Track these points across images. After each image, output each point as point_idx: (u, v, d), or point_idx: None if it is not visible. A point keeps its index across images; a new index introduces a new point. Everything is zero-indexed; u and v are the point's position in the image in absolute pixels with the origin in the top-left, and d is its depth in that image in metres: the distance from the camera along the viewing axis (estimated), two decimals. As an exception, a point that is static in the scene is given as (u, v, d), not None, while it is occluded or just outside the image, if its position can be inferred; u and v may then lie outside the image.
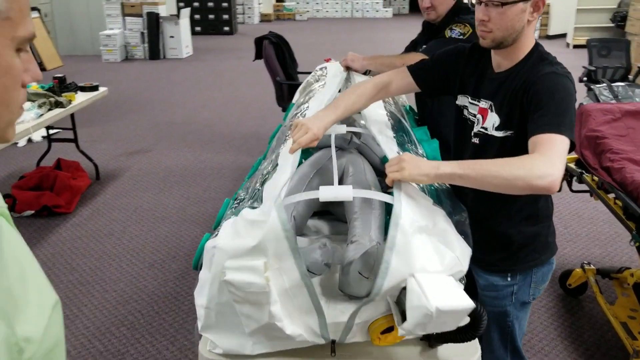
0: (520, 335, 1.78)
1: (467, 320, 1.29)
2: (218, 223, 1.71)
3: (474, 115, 1.62)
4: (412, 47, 2.73)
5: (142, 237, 3.66)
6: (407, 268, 1.27)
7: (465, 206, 1.63)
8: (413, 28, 14.61)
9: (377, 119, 1.95)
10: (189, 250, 3.47)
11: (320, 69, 2.93)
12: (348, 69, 2.43)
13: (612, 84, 3.07)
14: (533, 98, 1.42)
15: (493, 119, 1.55)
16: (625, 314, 2.52)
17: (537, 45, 1.53)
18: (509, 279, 1.65)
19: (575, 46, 10.25)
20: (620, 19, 9.73)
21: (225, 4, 12.96)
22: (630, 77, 5.56)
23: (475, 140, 1.61)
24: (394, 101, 2.60)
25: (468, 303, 1.21)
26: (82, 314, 2.86)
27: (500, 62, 1.56)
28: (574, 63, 8.78)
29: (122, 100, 7.02)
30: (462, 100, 1.68)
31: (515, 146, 1.49)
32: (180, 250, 3.48)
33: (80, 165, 4.53)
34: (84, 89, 4.33)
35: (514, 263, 1.65)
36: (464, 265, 1.32)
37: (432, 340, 1.37)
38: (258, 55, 5.08)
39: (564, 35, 10.90)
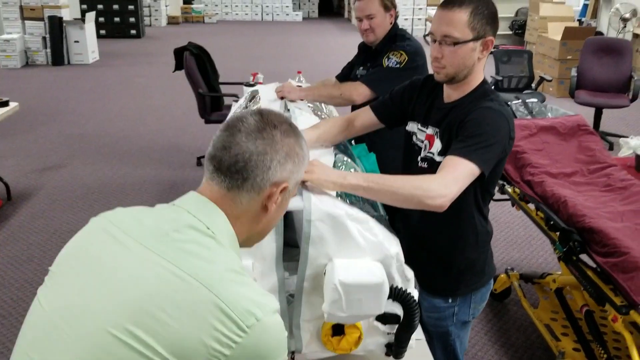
0: (462, 351, 1.89)
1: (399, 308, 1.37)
2: None
3: (422, 141, 1.72)
4: (348, 68, 2.80)
5: (65, 261, 3.49)
6: (324, 255, 1.35)
7: (410, 227, 1.72)
8: (324, 32, 14.91)
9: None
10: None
11: (252, 96, 2.90)
12: (282, 98, 2.45)
13: (527, 101, 3.29)
14: (463, 126, 1.55)
15: (437, 146, 1.66)
16: (548, 317, 2.72)
17: (484, 82, 1.64)
18: (450, 300, 1.75)
19: (478, 52, 10.82)
20: (517, 27, 10.38)
21: (131, 7, 12.55)
22: (533, 85, 5.96)
23: (423, 164, 1.71)
24: (327, 116, 2.66)
25: (376, 279, 1.28)
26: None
27: (451, 93, 1.67)
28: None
29: (27, 110, 6.63)
30: (411, 126, 1.78)
31: None
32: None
33: (-12, 185, 4.25)
34: (-8, 104, 4.07)
35: (456, 287, 1.75)
36: (390, 250, 1.37)
37: (394, 349, 1.43)
38: (178, 67, 4.99)
39: (467, 42, 11.46)
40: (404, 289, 1.35)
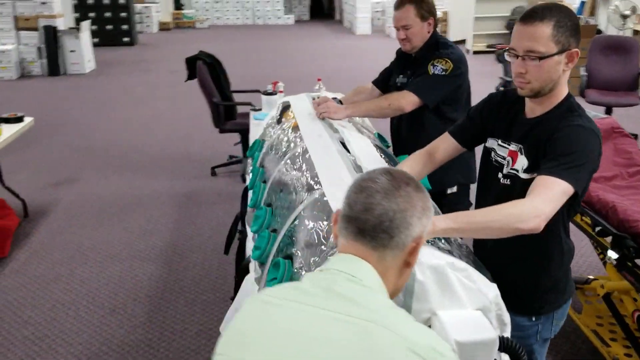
0: None
1: (505, 357, 1.34)
2: (259, 257, 1.77)
3: (503, 158, 1.70)
4: (386, 74, 2.79)
5: (93, 279, 3.45)
6: (428, 310, 1.32)
7: (494, 249, 1.70)
8: (318, 36, 14.91)
9: (369, 157, 1.99)
10: (149, 291, 3.32)
11: (284, 107, 2.87)
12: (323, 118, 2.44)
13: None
14: (553, 144, 1.53)
15: (522, 162, 1.64)
16: (594, 322, 2.73)
17: (569, 95, 1.62)
18: (534, 319, 1.74)
19: (475, 52, 10.87)
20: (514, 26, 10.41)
21: (123, 14, 12.47)
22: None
23: (506, 181, 1.69)
24: (367, 129, 2.65)
25: (490, 334, 1.26)
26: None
27: (534, 108, 1.64)
28: (476, 69, 9.30)
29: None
30: (490, 143, 1.77)
31: None
32: (140, 291, 3.32)
33: (5, 202, 4.18)
34: (8, 120, 4.01)
35: (541, 306, 1.74)
36: (489, 296, 1.35)
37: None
38: (191, 76, 4.95)
39: (462, 42, 11.50)
40: (513, 342, 1.33)
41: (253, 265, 2.01)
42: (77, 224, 4.17)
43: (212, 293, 3.29)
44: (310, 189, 1.84)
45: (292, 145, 2.37)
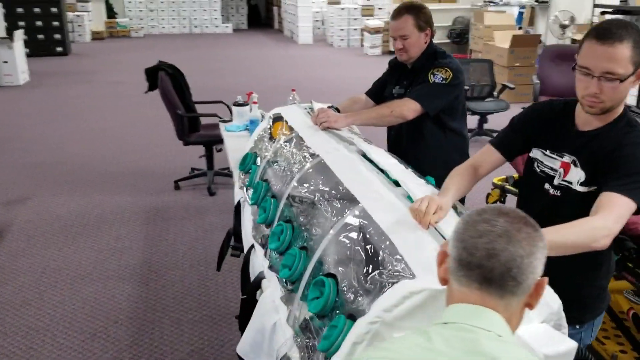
0: None
1: None
2: (290, 275, 1.74)
3: (551, 169, 1.72)
4: (380, 86, 2.79)
5: (66, 302, 3.26)
6: None
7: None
8: (259, 44, 14.88)
9: (397, 169, 1.98)
10: (130, 312, 3.17)
11: (275, 119, 2.82)
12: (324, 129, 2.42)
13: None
14: (619, 161, 1.55)
15: (578, 175, 1.65)
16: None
17: (626, 109, 1.65)
18: (577, 327, 1.77)
19: (419, 61, 11.13)
20: (455, 35, 10.77)
21: (56, 23, 12.00)
22: (495, 93, 6.19)
23: (556, 192, 1.71)
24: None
25: (571, 344, 1.29)
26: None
27: (590, 121, 1.64)
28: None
29: (-32, 139, 6.18)
30: (535, 153, 1.78)
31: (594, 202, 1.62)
32: (120, 313, 3.16)
33: (-44, 224, 3.91)
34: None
35: (584, 314, 1.78)
36: (554, 307, 1.38)
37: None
38: (152, 87, 4.80)
39: (406, 51, 11.75)
40: (586, 353, 1.35)
41: (272, 283, 1.96)
42: (39, 245, 3.94)
43: (198, 311, 3.19)
44: (343, 206, 1.80)
45: (300, 157, 2.33)
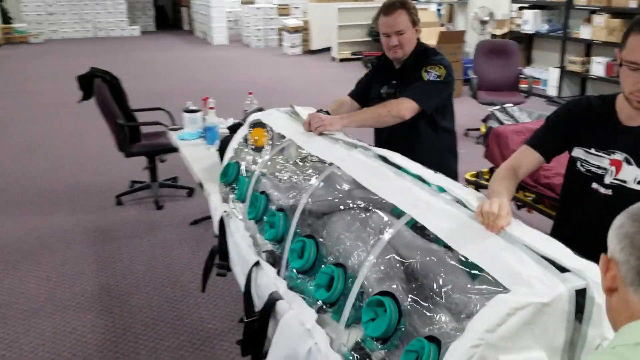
0: None
1: None
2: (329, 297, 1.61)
3: (599, 167, 1.70)
4: (364, 86, 2.71)
5: (22, 340, 2.93)
6: (600, 334, 1.28)
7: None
8: (172, 46, 14.53)
9: (419, 169, 1.90)
10: (98, 345, 2.90)
11: (254, 124, 2.66)
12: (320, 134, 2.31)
13: (504, 106, 3.46)
14: None
15: (634, 173, 1.63)
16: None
17: None
18: None
19: (341, 59, 11.18)
20: (376, 34, 10.87)
21: (-54, 29, 10.98)
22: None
23: (608, 191, 1.69)
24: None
25: None
26: None
27: (636, 116, 1.64)
28: (344, 76, 9.60)
29: None
30: (577, 152, 1.75)
31: None
32: (87, 347, 2.88)
33: None
34: None
35: None
36: None
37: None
38: (87, 96, 4.47)
39: (328, 49, 11.77)
40: None
41: (296, 305, 1.82)
42: (-25, 278, 3.54)
43: (175, 337, 2.97)
44: (377, 217, 1.70)
45: (305, 167, 2.20)
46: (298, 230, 1.98)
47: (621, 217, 1.01)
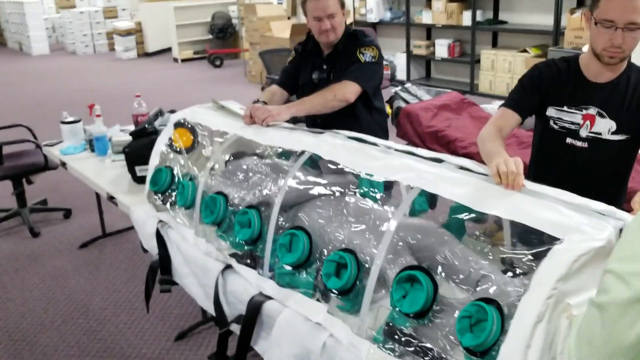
0: None
1: None
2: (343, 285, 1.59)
3: (573, 123, 1.84)
4: (291, 74, 2.68)
5: None
6: None
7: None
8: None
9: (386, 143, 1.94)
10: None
11: (179, 124, 2.51)
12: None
13: (406, 86, 3.61)
14: None
15: (608, 124, 1.79)
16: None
17: (629, 58, 1.82)
18: None
19: (184, 60, 10.87)
20: (218, 30, 10.74)
21: None
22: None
23: (584, 144, 1.83)
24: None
25: None
26: None
27: (603, 72, 1.80)
28: (191, 76, 9.38)
29: None
30: (550, 111, 1.88)
31: (628, 149, 1.81)
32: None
33: None
34: None
35: None
36: None
37: None
38: None
39: (168, 50, 11.37)
40: None
41: (293, 302, 1.77)
42: None
43: (108, 370, 2.71)
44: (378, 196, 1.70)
45: (268, 161, 2.12)
46: (284, 223, 1.91)
47: None
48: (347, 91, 2.37)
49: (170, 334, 2.92)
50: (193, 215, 2.28)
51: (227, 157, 2.34)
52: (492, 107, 3.73)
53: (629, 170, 1.94)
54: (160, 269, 2.43)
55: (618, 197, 1.95)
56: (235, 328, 2.04)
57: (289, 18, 9.12)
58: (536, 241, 1.36)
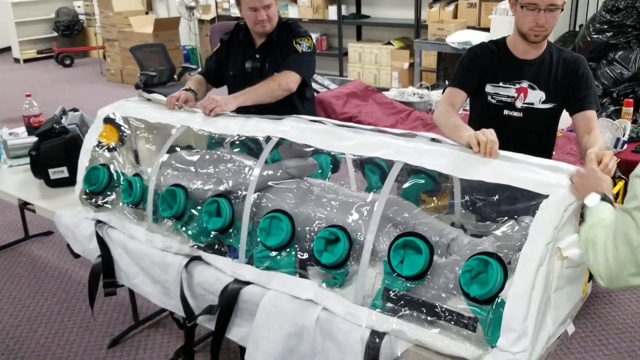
0: None
1: None
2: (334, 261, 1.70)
3: (509, 96, 2.12)
4: (215, 65, 2.71)
5: None
6: None
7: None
8: None
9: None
10: None
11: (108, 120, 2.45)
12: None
13: (314, 76, 3.72)
14: (581, 79, 2.09)
15: (538, 95, 2.09)
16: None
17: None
18: None
19: (26, 60, 10.08)
20: (64, 27, 10.11)
21: None
22: (176, 77, 6.30)
23: (520, 114, 2.13)
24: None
25: None
26: None
27: (529, 51, 2.10)
28: (37, 77, 8.78)
29: None
30: (488, 88, 2.15)
31: (555, 116, 2.14)
32: None
33: None
34: None
35: None
36: None
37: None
38: None
39: (4, 50, 10.47)
40: None
41: (276, 282, 1.85)
42: None
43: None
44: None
45: (224, 149, 2.14)
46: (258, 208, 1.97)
47: None
48: (290, 80, 2.47)
49: (100, 342, 2.82)
50: (141, 212, 2.25)
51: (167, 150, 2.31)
52: (389, 94, 4.00)
53: (553, 138, 2.27)
54: (103, 273, 2.35)
55: None
56: (202, 320, 2.06)
57: (147, 13, 8.86)
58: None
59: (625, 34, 4.96)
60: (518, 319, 1.42)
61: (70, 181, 2.75)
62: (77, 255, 2.54)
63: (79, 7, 10.29)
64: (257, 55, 2.63)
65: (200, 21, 8.78)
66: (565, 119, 2.31)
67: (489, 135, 1.71)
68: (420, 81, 6.29)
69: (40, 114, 3.43)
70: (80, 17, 10.29)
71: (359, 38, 7.81)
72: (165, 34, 7.71)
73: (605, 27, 5.02)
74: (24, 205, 2.74)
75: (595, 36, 5.03)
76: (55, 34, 10.20)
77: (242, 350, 2.05)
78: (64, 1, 10.33)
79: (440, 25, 6.18)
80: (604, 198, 1.44)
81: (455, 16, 6.37)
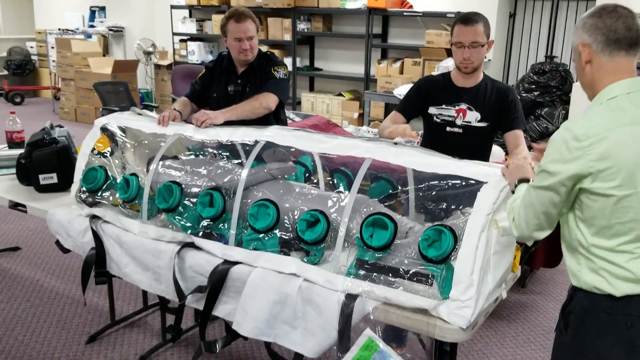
0: None
1: None
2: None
3: (450, 116, 2.62)
4: (201, 89, 3.12)
5: None
6: None
7: None
8: None
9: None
10: None
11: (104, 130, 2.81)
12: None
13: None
14: (509, 105, 2.63)
15: (475, 115, 2.60)
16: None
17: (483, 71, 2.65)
18: None
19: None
20: (15, 66, 10.28)
21: None
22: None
23: (459, 130, 2.63)
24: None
25: None
26: None
27: (467, 80, 2.63)
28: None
29: None
30: (432, 110, 2.66)
31: (489, 133, 2.65)
32: None
33: None
34: None
35: None
36: None
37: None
38: None
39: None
40: None
41: (263, 261, 2.20)
42: None
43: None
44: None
45: (219, 151, 2.52)
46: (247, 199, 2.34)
47: (582, 19, 1.58)
48: (270, 100, 2.90)
49: (78, 339, 3.05)
50: (135, 209, 2.57)
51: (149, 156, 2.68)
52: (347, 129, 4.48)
53: (489, 152, 2.78)
54: (96, 263, 2.63)
55: None
56: (191, 300, 2.37)
57: (104, 55, 9.19)
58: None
59: (550, 93, 5.72)
60: (466, 272, 1.84)
61: (58, 187, 3.06)
62: (66, 251, 2.81)
63: (31, 47, 10.52)
64: (239, 81, 3.06)
65: (157, 66, 9.18)
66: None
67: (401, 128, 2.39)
68: (369, 129, 6.84)
69: (23, 131, 3.72)
70: (33, 57, 10.50)
71: (311, 89, 8.37)
72: (123, 75, 8.05)
73: (533, 87, 5.77)
74: (15, 207, 2.99)
75: (524, 95, 5.76)
76: (6, 72, 10.35)
77: (228, 325, 2.36)
78: (17, 41, 10.54)
79: (389, 79, 6.80)
80: (527, 180, 1.89)
81: (401, 72, 7.02)
